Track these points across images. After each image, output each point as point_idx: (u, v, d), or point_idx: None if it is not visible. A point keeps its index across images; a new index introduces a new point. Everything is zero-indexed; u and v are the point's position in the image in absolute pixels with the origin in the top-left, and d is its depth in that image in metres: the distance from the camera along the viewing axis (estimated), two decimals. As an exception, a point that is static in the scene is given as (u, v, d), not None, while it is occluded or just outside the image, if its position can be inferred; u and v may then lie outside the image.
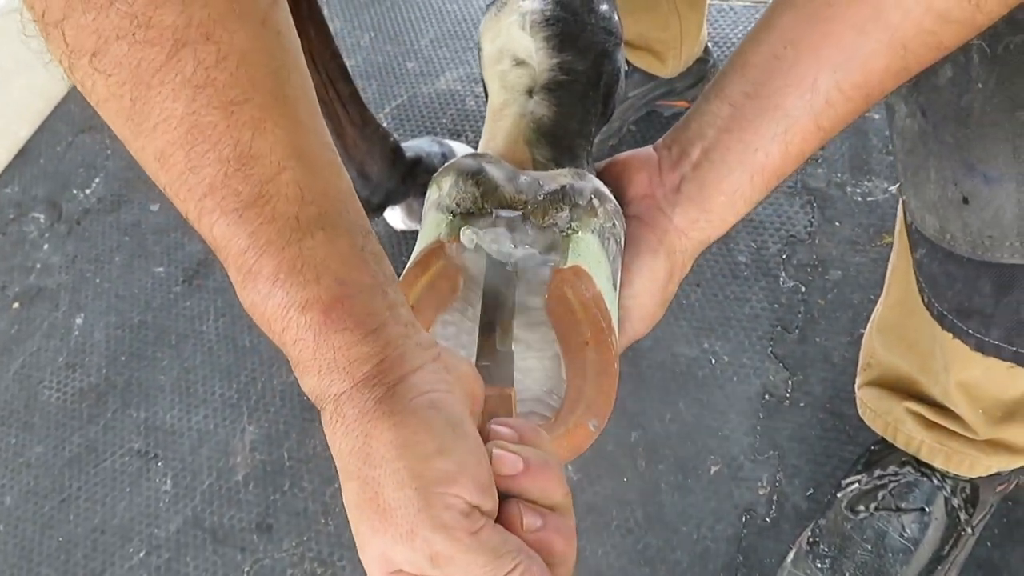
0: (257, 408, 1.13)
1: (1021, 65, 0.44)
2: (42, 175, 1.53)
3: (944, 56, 0.40)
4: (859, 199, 1.14)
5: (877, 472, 0.79)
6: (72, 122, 1.61)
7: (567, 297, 0.44)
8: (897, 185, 0.58)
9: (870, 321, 0.79)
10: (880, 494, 0.79)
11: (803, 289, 1.07)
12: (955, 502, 0.76)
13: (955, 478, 0.76)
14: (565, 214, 0.45)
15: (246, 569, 0.99)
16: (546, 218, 0.45)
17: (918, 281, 0.61)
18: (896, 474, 0.78)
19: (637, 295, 0.48)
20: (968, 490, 0.77)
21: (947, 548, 0.77)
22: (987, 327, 0.55)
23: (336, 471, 0.35)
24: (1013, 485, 0.84)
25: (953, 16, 0.35)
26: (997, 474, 0.77)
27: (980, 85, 0.45)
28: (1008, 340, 0.54)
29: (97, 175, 1.49)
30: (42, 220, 1.46)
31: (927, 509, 0.76)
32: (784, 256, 1.11)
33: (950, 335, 0.58)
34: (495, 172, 0.46)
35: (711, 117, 0.45)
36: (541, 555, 0.34)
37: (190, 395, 1.16)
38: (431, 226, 0.46)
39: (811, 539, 0.83)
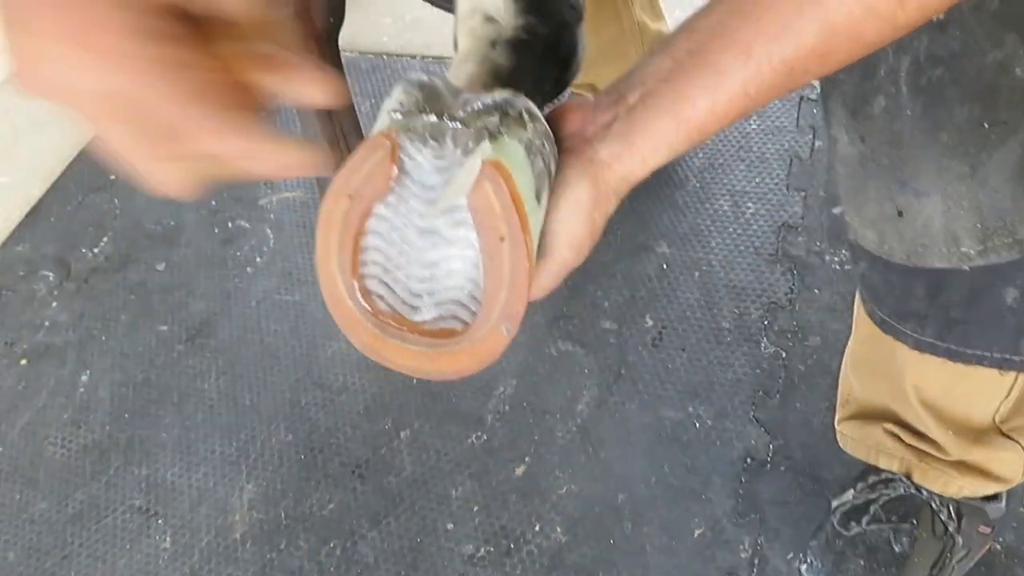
0: (256, 467, 1.16)
1: (941, 94, 0.50)
2: (52, 233, 1.58)
3: (875, 73, 0.46)
4: (837, 267, 1.19)
5: (871, 478, 0.84)
6: (82, 182, 1.66)
7: (486, 189, 0.46)
8: (840, 208, 0.66)
9: (844, 359, 0.84)
10: (871, 508, 0.84)
11: (784, 355, 1.12)
12: (943, 515, 0.81)
13: (940, 494, 0.81)
14: (495, 119, 0.48)
15: (242, 627, 1.02)
16: (477, 122, 0.48)
17: (860, 293, 0.67)
18: (887, 485, 0.83)
19: (563, 219, 0.50)
20: (953, 510, 0.81)
21: (943, 559, 0.82)
22: (922, 327, 0.61)
23: (331, 532, 0.37)
24: (987, 547, 0.88)
25: (879, 10, 0.40)
26: (979, 510, 0.82)
27: (909, 112, 0.52)
28: (940, 337, 0.61)
29: (105, 234, 1.55)
30: (51, 278, 1.50)
31: (916, 522, 0.81)
32: (765, 322, 1.15)
33: (891, 338, 0.65)
34: (439, 84, 0.51)
35: (653, 68, 0.48)
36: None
37: (191, 453, 1.20)
38: (376, 126, 0.50)
39: (804, 562, 0.88)
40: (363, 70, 1.70)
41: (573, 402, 1.13)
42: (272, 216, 1.49)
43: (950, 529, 0.82)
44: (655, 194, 1.33)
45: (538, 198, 0.49)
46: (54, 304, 1.45)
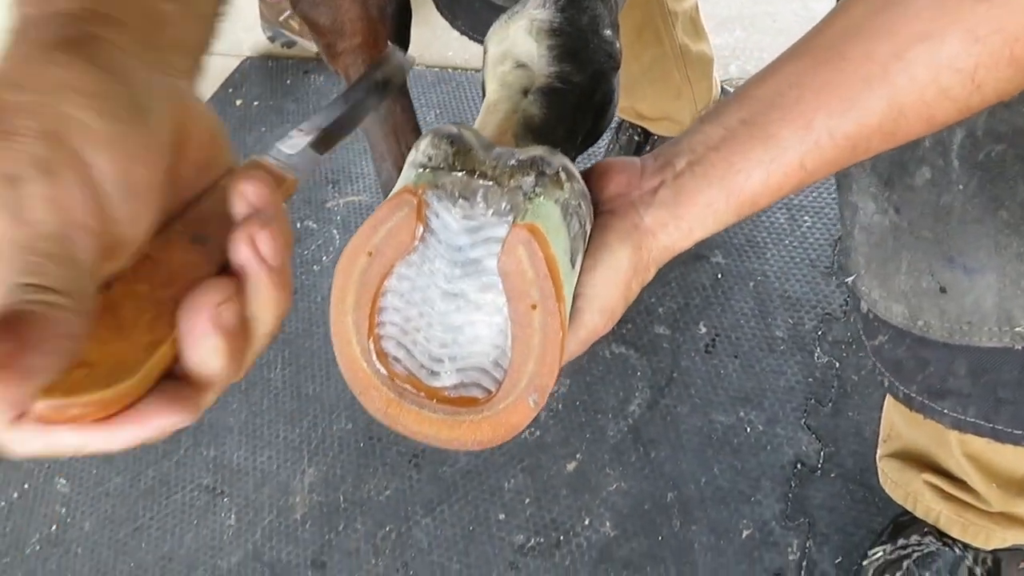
0: (317, 452, 1.21)
1: (1001, 171, 0.49)
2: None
3: (918, 144, 0.44)
4: (894, 281, 1.20)
5: (901, 541, 0.83)
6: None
7: (519, 254, 0.43)
8: (852, 278, 0.61)
9: (887, 396, 0.84)
10: (904, 563, 0.83)
11: (837, 365, 1.12)
12: (978, 571, 0.80)
13: (976, 549, 0.80)
14: (530, 179, 0.46)
15: (300, 603, 1.06)
16: (511, 181, 0.46)
17: (876, 367, 0.63)
18: (919, 543, 0.82)
19: (598, 283, 0.48)
20: (990, 562, 0.80)
21: None
22: (964, 406, 0.57)
23: (387, 516, 0.38)
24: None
25: (953, 93, 0.38)
26: (1020, 550, 0.81)
27: (961, 187, 0.50)
28: (986, 418, 0.57)
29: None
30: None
31: None
32: (820, 333, 1.16)
33: (920, 416, 0.61)
34: (471, 137, 0.48)
35: (703, 136, 0.46)
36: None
37: (256, 437, 1.25)
38: (401, 180, 0.47)
39: None
40: (428, 82, 1.77)
41: (625, 403, 1.16)
42: (339, 218, 1.56)
43: None
44: (712, 206, 1.35)
45: (572, 262, 0.47)
46: (133, 294, 1.54)
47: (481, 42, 0.65)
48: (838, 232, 1.27)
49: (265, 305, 0.32)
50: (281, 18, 1.93)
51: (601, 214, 0.50)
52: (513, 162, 0.47)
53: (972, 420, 0.58)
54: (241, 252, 0.32)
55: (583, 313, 0.49)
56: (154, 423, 0.31)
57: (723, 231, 1.41)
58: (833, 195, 1.32)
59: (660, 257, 0.48)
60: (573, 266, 0.47)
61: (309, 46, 1.94)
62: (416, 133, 1.07)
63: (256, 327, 0.33)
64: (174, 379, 0.31)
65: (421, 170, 0.47)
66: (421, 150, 0.48)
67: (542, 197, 0.45)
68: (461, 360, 0.48)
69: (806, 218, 1.30)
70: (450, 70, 1.80)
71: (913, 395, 0.61)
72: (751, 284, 1.24)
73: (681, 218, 0.46)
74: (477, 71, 1.81)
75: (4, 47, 0.30)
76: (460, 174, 0.47)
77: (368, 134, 1.06)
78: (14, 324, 0.24)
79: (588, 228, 0.49)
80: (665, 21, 1.16)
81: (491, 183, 0.46)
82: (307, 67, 1.94)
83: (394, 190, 0.48)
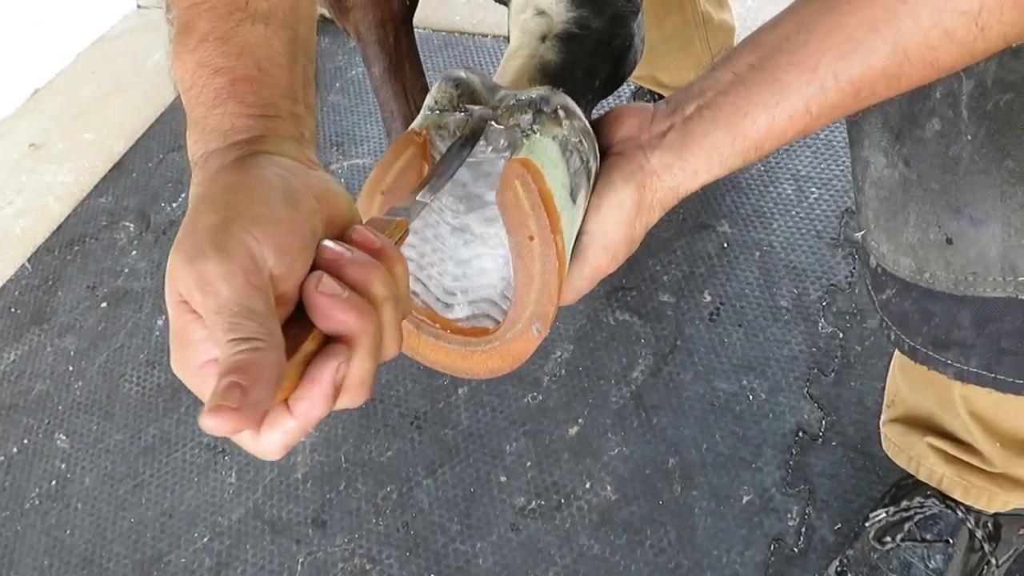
0: (319, 413, 1.21)
1: (1009, 120, 0.49)
2: (134, 188, 1.66)
3: (929, 96, 0.44)
4: (900, 254, 1.19)
5: (903, 503, 0.84)
6: (164, 141, 1.74)
7: (516, 188, 0.45)
8: (861, 232, 0.62)
9: (892, 360, 0.84)
10: (906, 526, 0.84)
11: (841, 335, 1.13)
12: (979, 534, 0.81)
13: (978, 512, 0.80)
14: (528, 116, 0.47)
15: (300, 560, 1.07)
16: (511, 119, 0.48)
17: (883, 321, 0.64)
18: (921, 506, 0.82)
19: (603, 220, 0.49)
20: (991, 525, 0.81)
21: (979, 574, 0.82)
22: (967, 357, 0.58)
23: (388, 477, 0.41)
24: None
25: (958, 36, 0.39)
26: (1020, 515, 0.81)
27: (969, 137, 0.50)
28: (988, 368, 0.58)
29: (184, 190, 1.62)
30: (131, 228, 1.58)
31: (951, 541, 0.81)
32: (824, 303, 1.16)
33: (924, 368, 0.62)
34: (476, 80, 0.50)
35: (713, 81, 0.47)
36: (330, 324, 0.35)
37: (257, 397, 1.25)
38: (414, 123, 0.50)
39: (839, 569, 0.88)
40: (435, 46, 1.75)
41: (628, 369, 1.16)
42: (343, 180, 1.55)
43: (986, 548, 0.82)
44: (718, 175, 1.35)
45: (573, 197, 0.48)
46: (133, 253, 1.53)
47: (507, 3, 0.65)
48: (845, 204, 1.27)
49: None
50: (285, -22, 1.90)
51: (610, 156, 0.51)
52: (513, 102, 0.49)
53: (975, 370, 0.59)
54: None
55: (587, 249, 0.50)
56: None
57: (730, 201, 1.40)
58: (840, 167, 1.31)
59: (665, 198, 0.49)
60: (575, 201, 0.48)
61: (313, 7, 1.91)
62: (425, 92, 1.05)
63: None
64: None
65: (428, 112, 0.49)
66: (431, 94, 0.51)
67: (539, 134, 0.47)
68: (472, 292, 0.50)
69: (813, 189, 1.30)
70: (457, 34, 1.78)
71: (918, 347, 0.62)
72: (757, 254, 1.24)
73: (686, 160, 0.47)
74: (484, 36, 1.79)
75: (200, 174, 0.39)
76: (462, 114, 0.49)
77: (378, 93, 1.05)
78: (236, 371, 0.31)
79: (593, 166, 0.50)
80: None
81: (491, 122, 0.48)
82: (311, 29, 1.91)
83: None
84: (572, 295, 0.51)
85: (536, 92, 0.49)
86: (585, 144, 0.49)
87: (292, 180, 0.38)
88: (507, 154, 0.47)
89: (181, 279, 0.35)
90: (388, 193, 0.47)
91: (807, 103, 0.43)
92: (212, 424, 0.31)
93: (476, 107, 0.49)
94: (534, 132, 0.47)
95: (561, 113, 0.48)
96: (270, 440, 0.35)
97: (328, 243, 0.37)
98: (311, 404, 0.35)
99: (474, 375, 0.51)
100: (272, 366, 0.32)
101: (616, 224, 0.49)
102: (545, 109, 0.48)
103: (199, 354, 0.35)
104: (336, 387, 0.35)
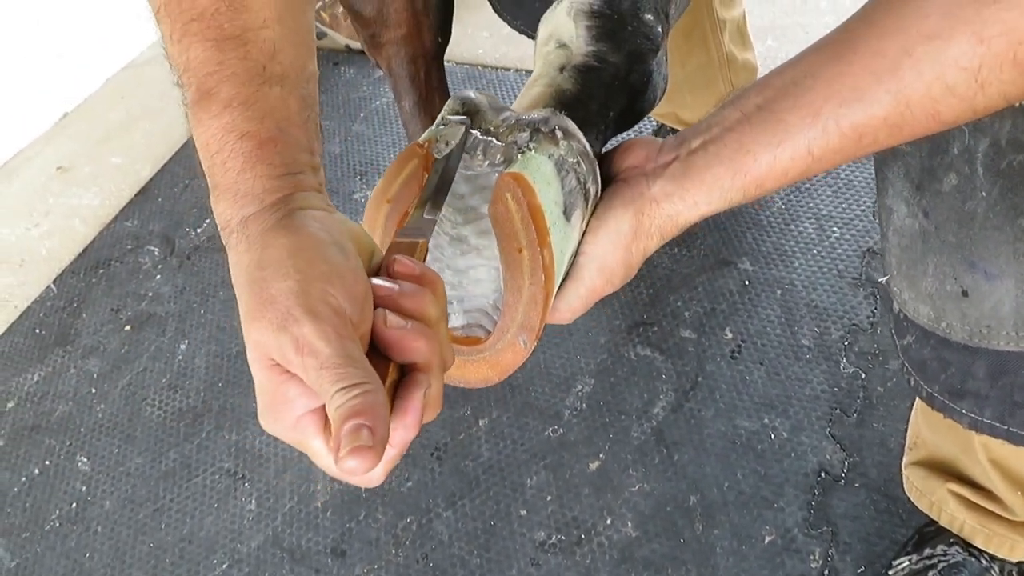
0: (339, 441, 1.21)
1: (1022, 179, 0.50)
2: (159, 212, 1.68)
3: (947, 151, 0.45)
4: (921, 295, 1.20)
5: (926, 551, 0.83)
6: (190, 167, 1.77)
7: (506, 200, 0.47)
8: (886, 277, 0.63)
9: (914, 402, 0.84)
10: (930, 574, 0.83)
11: (863, 376, 1.13)
12: None
13: (1003, 560, 0.80)
14: (525, 134, 0.50)
15: (319, 590, 1.07)
16: (509, 137, 0.50)
17: (904, 366, 0.65)
18: (944, 554, 0.82)
19: (600, 242, 0.50)
20: (1016, 574, 0.80)
21: None
22: (981, 408, 0.59)
23: (408, 508, 0.43)
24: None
25: (958, 91, 0.40)
26: None
27: (984, 194, 0.51)
28: (1001, 420, 0.59)
29: (208, 216, 1.64)
30: (156, 253, 1.60)
31: None
32: (846, 343, 1.16)
33: (941, 415, 0.63)
34: (483, 100, 0.52)
35: (720, 119, 0.49)
36: (405, 354, 0.38)
37: (278, 424, 1.26)
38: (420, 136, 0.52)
39: None
40: (459, 79, 1.78)
41: (649, 405, 1.16)
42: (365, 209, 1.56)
43: None
44: (739, 212, 1.36)
45: (568, 215, 0.49)
46: (158, 277, 1.55)
47: (534, 37, 0.67)
48: (866, 244, 1.27)
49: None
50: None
51: (615, 183, 0.53)
52: (514, 121, 0.51)
53: (989, 421, 0.59)
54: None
55: (582, 270, 0.52)
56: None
57: (751, 239, 1.41)
58: (862, 207, 1.32)
59: (664, 226, 0.51)
60: (569, 220, 0.50)
61: (339, 38, 1.95)
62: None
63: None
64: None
65: (433, 127, 0.52)
66: (441, 111, 0.53)
67: (534, 151, 0.49)
68: (467, 302, 0.52)
69: (834, 228, 1.31)
70: (480, 68, 1.81)
71: (935, 394, 0.62)
72: (778, 292, 1.24)
73: (687, 190, 0.49)
74: (507, 70, 1.82)
75: (244, 239, 0.41)
76: (460, 127, 0.51)
77: (407, 126, 1.07)
78: (358, 414, 0.34)
79: (592, 188, 0.52)
80: (713, 28, 1.16)
81: (491, 138, 0.51)
82: (336, 59, 1.94)
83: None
84: (568, 314, 0.52)
85: (538, 113, 0.51)
86: (583, 166, 0.51)
87: (332, 231, 0.41)
88: (502, 168, 0.49)
89: (272, 346, 0.37)
90: (393, 201, 0.50)
91: (809, 145, 0.44)
92: (354, 464, 0.33)
93: (459, 116, 0.51)
94: (530, 149, 0.49)
95: (559, 133, 0.50)
96: (376, 469, 0.37)
97: (377, 281, 0.40)
98: (406, 431, 0.37)
99: (468, 384, 0.52)
100: (383, 404, 0.35)
101: (613, 247, 0.51)
102: (543, 128, 0.50)
103: (295, 409, 0.38)
104: (423, 411, 0.38)
